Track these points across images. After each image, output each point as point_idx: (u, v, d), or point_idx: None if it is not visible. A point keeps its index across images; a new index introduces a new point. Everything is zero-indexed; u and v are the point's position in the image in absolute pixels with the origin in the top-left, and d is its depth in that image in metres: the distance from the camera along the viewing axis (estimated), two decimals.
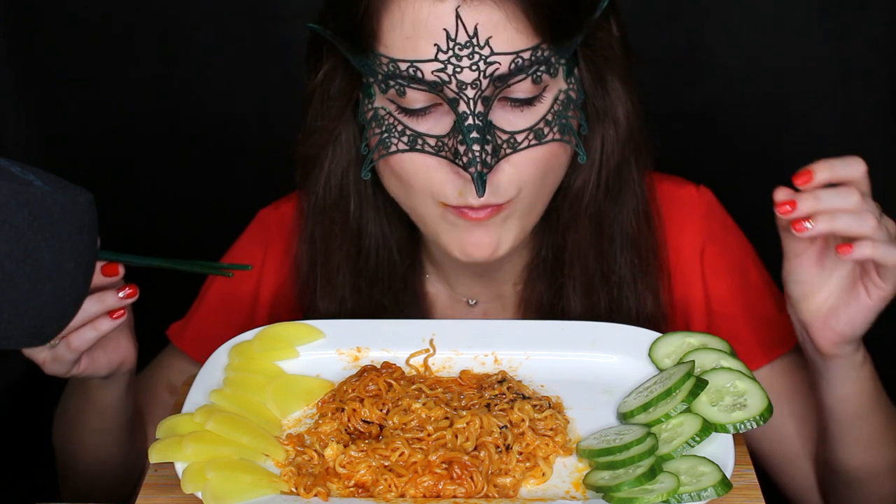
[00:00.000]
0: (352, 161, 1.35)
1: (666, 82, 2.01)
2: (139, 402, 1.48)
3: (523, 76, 1.21)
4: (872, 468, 1.32)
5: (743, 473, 1.17)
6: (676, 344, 1.25)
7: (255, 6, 2.09)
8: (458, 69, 1.19)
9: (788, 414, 1.40)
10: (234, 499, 1.06)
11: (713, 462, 1.08)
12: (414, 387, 1.22)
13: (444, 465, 1.11)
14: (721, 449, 1.11)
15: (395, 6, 1.20)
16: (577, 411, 1.21)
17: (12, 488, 1.93)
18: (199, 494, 1.06)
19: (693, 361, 1.19)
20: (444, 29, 1.18)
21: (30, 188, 1.03)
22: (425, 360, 1.29)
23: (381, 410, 1.19)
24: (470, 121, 1.21)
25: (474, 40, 1.19)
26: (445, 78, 1.20)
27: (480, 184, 1.20)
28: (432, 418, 1.16)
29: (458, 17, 1.18)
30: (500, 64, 1.20)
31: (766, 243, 1.35)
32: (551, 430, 1.16)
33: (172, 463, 1.10)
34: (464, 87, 1.20)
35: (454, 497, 1.09)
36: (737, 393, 1.15)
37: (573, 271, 1.37)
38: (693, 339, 1.24)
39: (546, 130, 1.24)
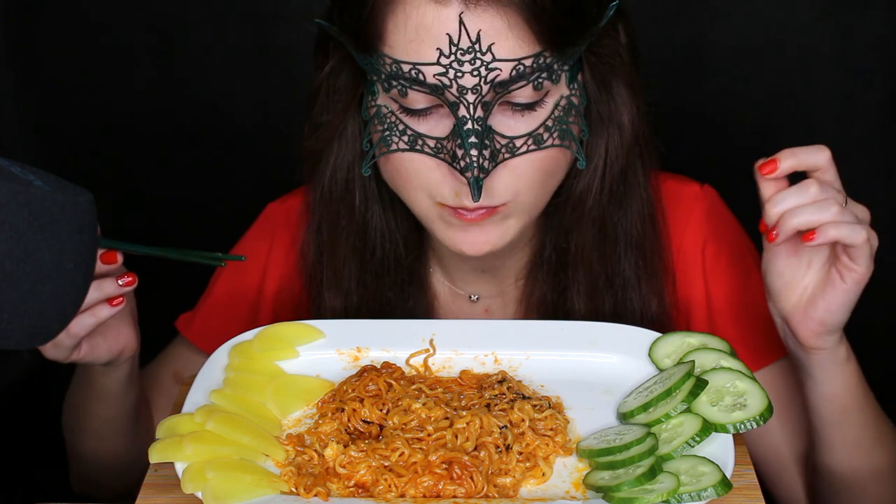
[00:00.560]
0: (357, 155, 1.36)
1: (667, 82, 2.01)
2: (147, 392, 1.49)
3: (524, 83, 1.21)
4: (859, 473, 1.32)
5: (743, 473, 1.17)
6: (676, 344, 1.25)
7: (255, 6, 2.09)
8: (459, 74, 1.20)
9: (779, 419, 1.39)
10: (234, 499, 1.06)
11: (713, 462, 1.08)
12: (414, 387, 1.22)
13: (444, 466, 1.11)
14: (721, 449, 1.11)
15: (401, 9, 1.21)
16: (577, 411, 1.21)
17: (12, 488, 1.93)
18: (199, 494, 1.06)
19: (693, 361, 1.19)
20: (448, 34, 1.19)
21: (30, 188, 1.03)
22: (425, 360, 1.28)
23: (381, 410, 1.19)
24: (469, 125, 1.21)
25: (476, 46, 1.19)
26: (447, 82, 1.20)
27: (477, 189, 1.21)
28: (432, 418, 1.16)
29: (461, 22, 1.19)
30: (501, 70, 1.20)
31: None
32: (551, 430, 1.16)
33: (172, 463, 1.10)
34: (464, 91, 1.20)
35: (454, 497, 1.09)
36: (737, 393, 1.15)
37: (577, 274, 1.38)
38: (693, 339, 1.24)
39: (546, 136, 1.25)
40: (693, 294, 1.43)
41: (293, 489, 1.09)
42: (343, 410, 1.19)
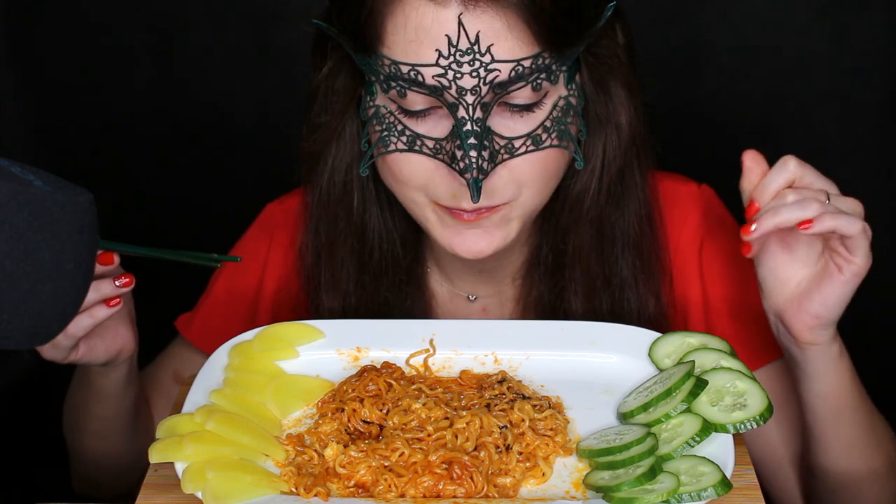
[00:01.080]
0: (355, 156, 1.36)
1: (665, 82, 2.00)
2: (147, 392, 1.50)
3: (523, 83, 1.21)
4: (854, 473, 1.32)
5: (743, 473, 1.17)
6: (676, 344, 1.25)
7: (255, 6, 2.09)
8: (458, 75, 1.20)
9: (775, 420, 1.39)
10: (234, 499, 1.06)
11: (713, 462, 1.08)
12: (414, 387, 1.22)
13: (444, 466, 1.11)
14: (721, 449, 1.11)
15: (399, 10, 1.21)
16: (577, 411, 1.21)
17: (12, 488, 1.93)
18: (199, 494, 1.06)
19: (693, 361, 1.19)
20: (447, 35, 1.19)
21: (30, 188, 1.03)
22: (425, 360, 1.29)
23: (381, 410, 1.19)
24: (468, 126, 1.21)
25: (475, 47, 1.19)
26: (445, 83, 1.20)
27: (475, 190, 1.21)
28: (432, 418, 1.16)
29: (460, 23, 1.19)
30: (500, 71, 1.20)
31: None
32: (551, 430, 1.16)
33: (172, 463, 1.10)
34: (463, 92, 1.20)
35: (454, 497, 1.09)
36: (737, 393, 1.15)
37: (574, 274, 1.38)
38: (693, 339, 1.24)
39: (544, 136, 1.25)
40: (690, 293, 1.43)
41: (293, 489, 1.10)
42: (343, 410, 1.19)
